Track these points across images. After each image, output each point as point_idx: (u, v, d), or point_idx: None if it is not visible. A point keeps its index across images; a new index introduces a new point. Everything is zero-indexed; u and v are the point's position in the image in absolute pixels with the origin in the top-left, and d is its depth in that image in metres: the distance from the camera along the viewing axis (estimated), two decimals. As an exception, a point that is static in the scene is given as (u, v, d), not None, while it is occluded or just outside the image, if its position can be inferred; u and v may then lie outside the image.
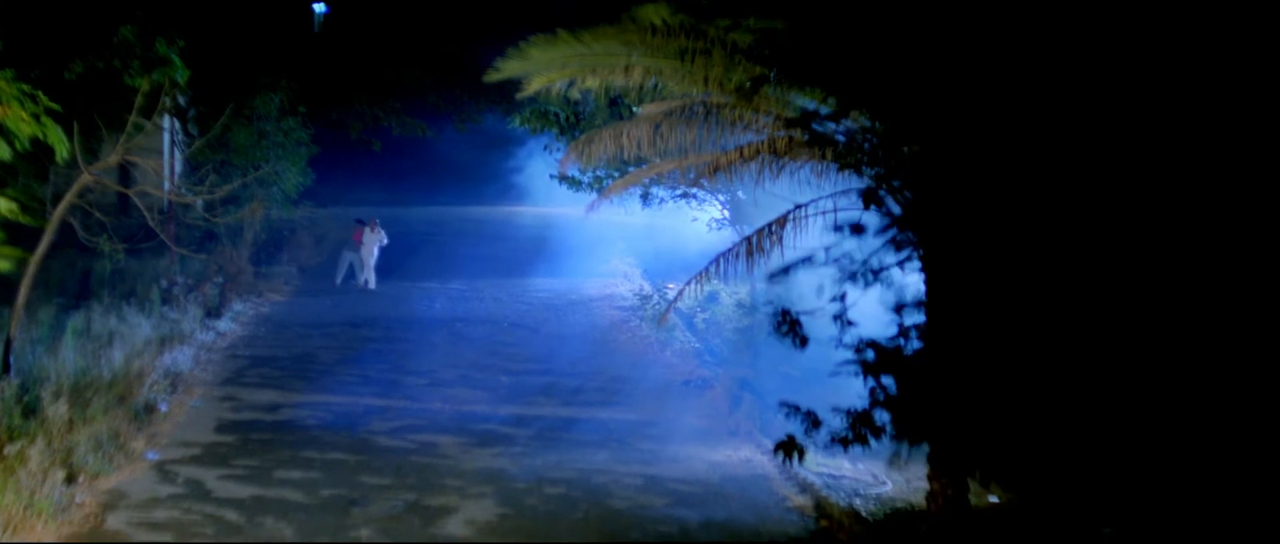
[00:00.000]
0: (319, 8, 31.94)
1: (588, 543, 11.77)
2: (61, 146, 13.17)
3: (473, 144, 35.73)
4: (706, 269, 12.01)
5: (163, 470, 13.65)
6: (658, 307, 22.46)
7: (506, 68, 11.91)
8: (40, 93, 13.02)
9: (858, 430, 9.42)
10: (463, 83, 30.08)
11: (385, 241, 26.33)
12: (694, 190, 21.88)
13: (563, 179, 22.50)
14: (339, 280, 26.12)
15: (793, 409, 9.74)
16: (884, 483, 14.41)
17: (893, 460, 12.23)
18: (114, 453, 13.78)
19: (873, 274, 9.35)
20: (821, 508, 13.21)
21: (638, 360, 20.16)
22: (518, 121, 24.00)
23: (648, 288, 24.71)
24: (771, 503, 13.41)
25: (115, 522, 11.98)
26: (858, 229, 9.43)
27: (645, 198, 22.43)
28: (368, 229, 26.11)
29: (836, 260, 9.36)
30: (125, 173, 26.19)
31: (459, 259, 28.59)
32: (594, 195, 22.09)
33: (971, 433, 9.08)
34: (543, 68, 11.94)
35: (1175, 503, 10.08)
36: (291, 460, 14.08)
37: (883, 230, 9.74)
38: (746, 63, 11.15)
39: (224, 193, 19.91)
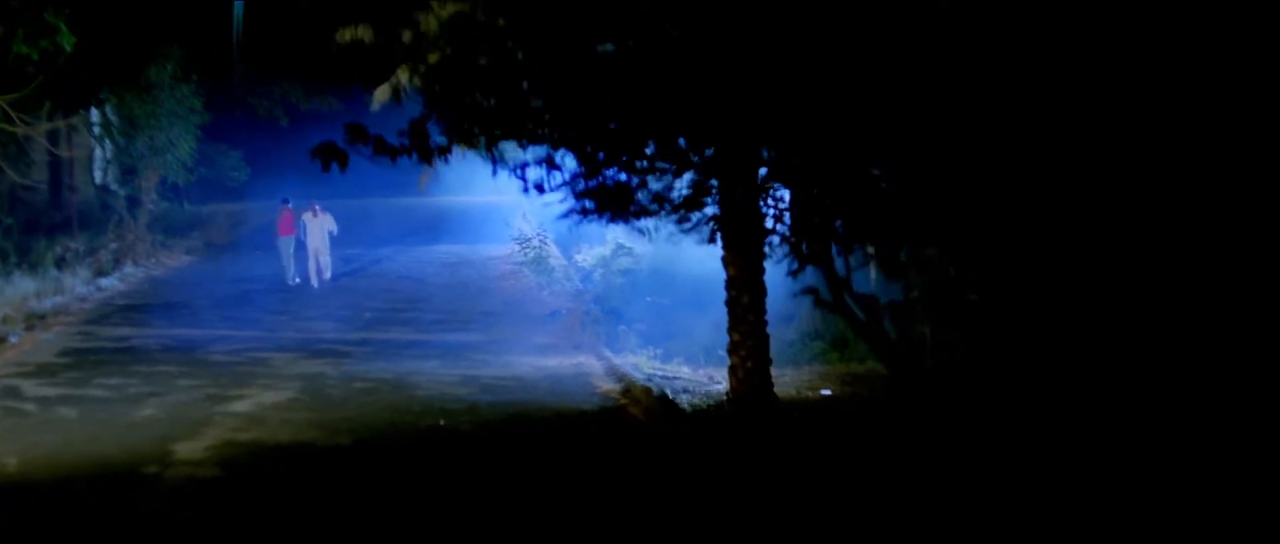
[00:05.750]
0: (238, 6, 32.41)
1: (363, 418, 11.85)
2: None
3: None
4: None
5: (-15, 383, 13.80)
6: (539, 251, 22.58)
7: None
8: None
9: (415, 139, 10.58)
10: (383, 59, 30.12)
11: (333, 229, 21.78)
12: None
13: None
14: (291, 279, 21.66)
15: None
16: (718, 382, 14.46)
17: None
18: (-57, 372, 13.98)
19: None
20: (627, 391, 13.30)
21: (513, 301, 20.26)
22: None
23: (547, 246, 24.64)
24: (582, 393, 13.49)
25: (-86, 417, 12.13)
26: None
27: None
28: (309, 214, 21.61)
29: None
30: (57, 162, 26.59)
31: (371, 233, 28.45)
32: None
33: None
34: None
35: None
36: (117, 373, 14.21)
37: None
38: None
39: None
